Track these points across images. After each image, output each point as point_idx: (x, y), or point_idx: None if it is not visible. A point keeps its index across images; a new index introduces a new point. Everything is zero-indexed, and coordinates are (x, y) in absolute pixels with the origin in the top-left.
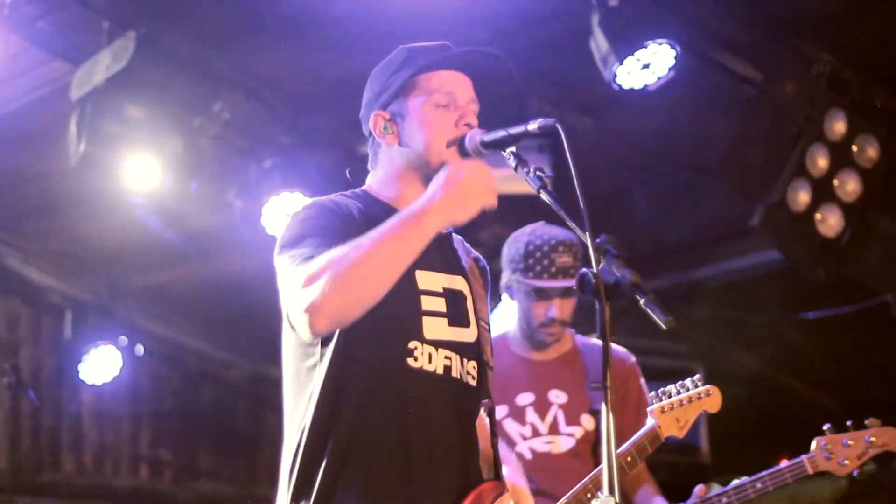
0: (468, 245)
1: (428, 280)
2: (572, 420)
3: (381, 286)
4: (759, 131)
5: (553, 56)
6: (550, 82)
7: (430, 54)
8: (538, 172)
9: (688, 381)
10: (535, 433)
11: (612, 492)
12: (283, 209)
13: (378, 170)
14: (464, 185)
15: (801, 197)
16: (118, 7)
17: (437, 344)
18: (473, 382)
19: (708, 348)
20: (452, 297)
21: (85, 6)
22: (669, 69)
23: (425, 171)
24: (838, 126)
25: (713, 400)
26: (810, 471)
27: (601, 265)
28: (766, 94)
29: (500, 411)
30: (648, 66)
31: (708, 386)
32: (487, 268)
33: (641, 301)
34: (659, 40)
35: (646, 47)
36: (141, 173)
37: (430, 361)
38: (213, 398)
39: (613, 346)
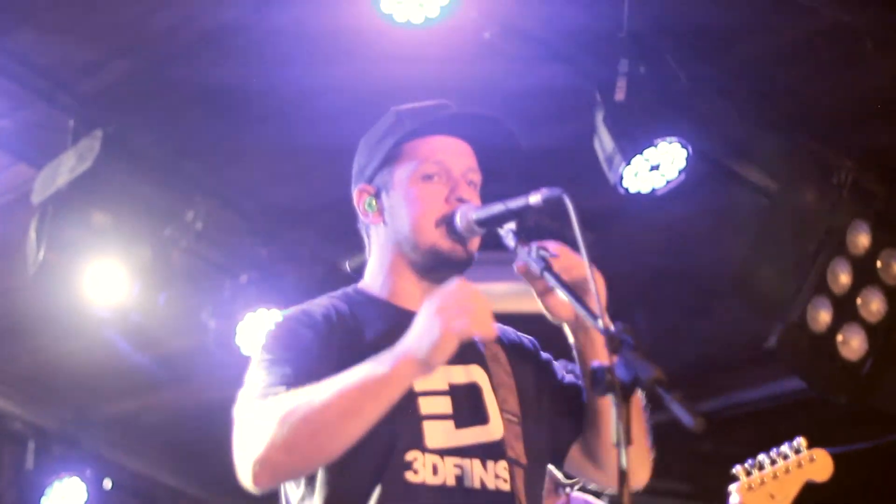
0: (508, 329)
1: (427, 378)
2: None
3: (334, 445)
4: (776, 245)
5: (552, 162)
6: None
7: (418, 116)
8: (541, 252)
9: (785, 448)
10: None
11: None
12: (259, 327)
13: (371, 259)
14: (441, 322)
15: (822, 316)
16: (85, 105)
17: (444, 452)
18: (506, 487)
19: (713, 488)
20: (462, 392)
21: (51, 103)
22: (680, 171)
23: (415, 257)
24: (862, 239)
25: (819, 466)
26: None
27: (616, 359)
28: (783, 203)
29: None
30: (658, 167)
31: (812, 450)
32: (533, 343)
33: (666, 400)
34: (669, 138)
35: (655, 146)
36: (106, 284)
37: (434, 473)
38: None
39: None
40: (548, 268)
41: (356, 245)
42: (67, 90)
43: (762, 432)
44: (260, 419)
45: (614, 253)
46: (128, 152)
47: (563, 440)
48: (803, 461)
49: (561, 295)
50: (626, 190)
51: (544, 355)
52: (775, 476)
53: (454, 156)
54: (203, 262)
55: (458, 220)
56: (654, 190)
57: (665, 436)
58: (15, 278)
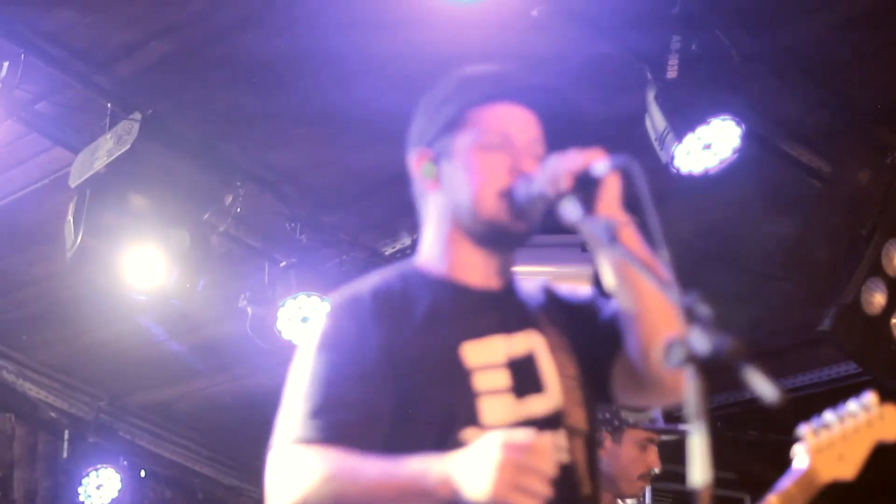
0: (562, 286)
1: (481, 352)
2: None
3: None
4: (829, 225)
5: (602, 142)
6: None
7: (483, 84)
8: (609, 222)
9: (851, 405)
10: None
11: None
12: (300, 313)
13: (427, 229)
14: (497, 479)
15: (877, 298)
16: (123, 87)
17: (503, 427)
18: (567, 458)
19: (760, 476)
20: (519, 362)
21: (87, 86)
22: (734, 150)
23: (474, 228)
24: None
25: (890, 424)
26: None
27: (692, 331)
28: (836, 183)
29: None
30: (710, 146)
31: (883, 407)
32: (587, 289)
33: (745, 373)
34: (723, 116)
35: (708, 124)
36: (144, 268)
37: None
38: None
39: None
40: (616, 239)
41: (397, 230)
42: (105, 72)
43: (812, 418)
44: (302, 472)
45: (664, 235)
46: (166, 135)
47: (604, 358)
48: (873, 420)
49: (631, 265)
50: (678, 170)
51: (597, 302)
52: (844, 436)
53: (519, 126)
54: (242, 247)
55: (519, 193)
56: (706, 170)
57: (710, 424)
58: (52, 264)
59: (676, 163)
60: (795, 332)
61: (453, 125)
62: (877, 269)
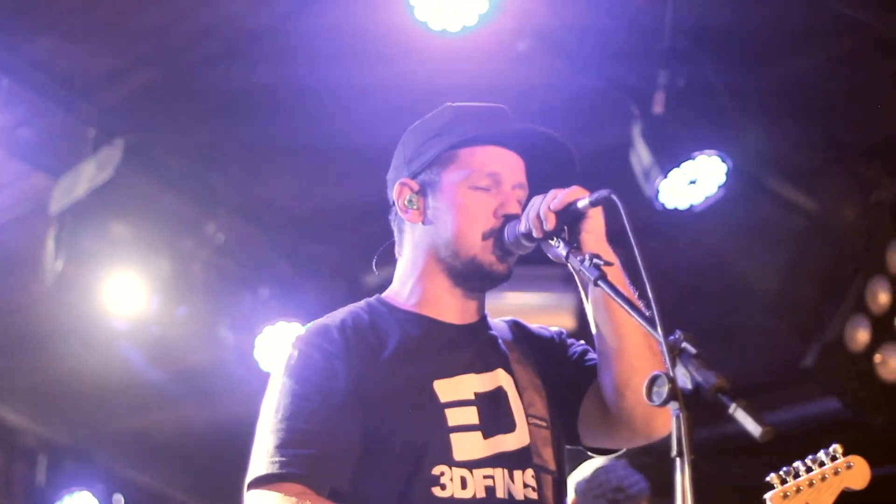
0: (533, 327)
1: (452, 388)
2: None
3: None
4: (814, 263)
5: (587, 177)
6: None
7: (478, 123)
8: (595, 260)
9: (821, 455)
10: None
11: None
12: (278, 341)
13: (402, 259)
14: None
15: (860, 336)
16: (106, 113)
17: (472, 465)
18: (534, 495)
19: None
20: (488, 400)
21: (70, 112)
22: (719, 187)
23: (451, 264)
24: None
25: (857, 473)
26: None
27: (677, 367)
28: (822, 221)
29: None
30: (696, 181)
31: (849, 457)
32: (560, 333)
33: (731, 409)
34: (708, 152)
35: (693, 159)
36: (123, 295)
37: (463, 487)
38: None
39: None
40: (602, 277)
41: (379, 259)
42: (88, 98)
43: (795, 455)
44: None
45: (648, 269)
46: (149, 162)
47: (572, 396)
48: (840, 468)
49: (617, 303)
50: (663, 206)
51: (567, 340)
52: (811, 483)
53: (508, 170)
54: (223, 275)
55: (507, 235)
56: (691, 206)
57: (696, 461)
58: (30, 290)
59: (661, 198)
60: (779, 369)
61: (443, 160)
62: (861, 307)
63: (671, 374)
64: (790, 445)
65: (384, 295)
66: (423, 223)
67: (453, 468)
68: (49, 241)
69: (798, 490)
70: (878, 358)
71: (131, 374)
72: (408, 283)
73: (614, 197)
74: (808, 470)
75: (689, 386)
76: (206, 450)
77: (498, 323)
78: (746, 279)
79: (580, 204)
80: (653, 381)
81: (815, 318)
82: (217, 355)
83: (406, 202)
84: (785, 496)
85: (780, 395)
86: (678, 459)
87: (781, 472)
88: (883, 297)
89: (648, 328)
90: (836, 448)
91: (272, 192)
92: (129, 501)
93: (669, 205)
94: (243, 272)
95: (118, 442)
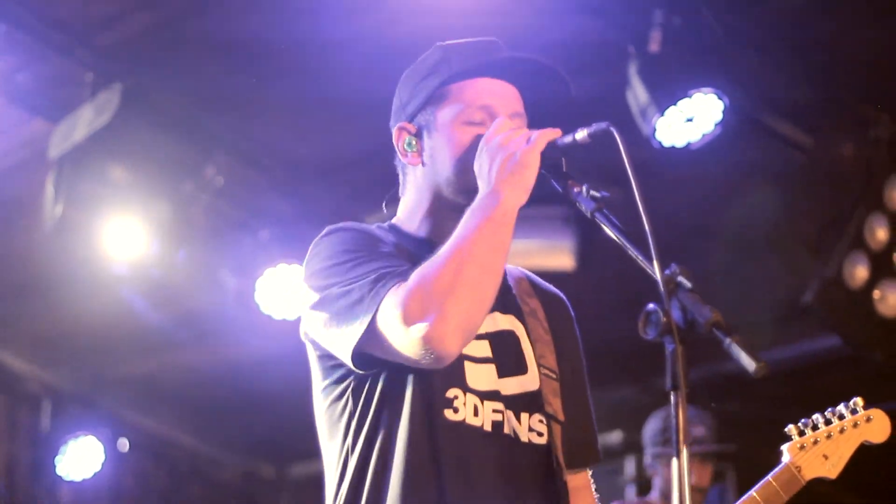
0: (542, 282)
1: None
2: None
3: (495, 282)
4: (812, 200)
5: (584, 116)
6: (580, 148)
7: (466, 57)
8: (592, 193)
9: (840, 408)
10: None
11: None
12: (279, 284)
13: (406, 197)
14: (512, 145)
15: (859, 272)
16: (104, 58)
17: (485, 395)
18: (541, 440)
19: (741, 451)
20: (500, 339)
21: (67, 57)
22: (716, 124)
23: (455, 201)
24: None
25: (876, 427)
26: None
27: (672, 301)
28: (820, 158)
29: None
30: (692, 119)
31: (869, 410)
32: (567, 304)
33: (725, 343)
34: (704, 89)
35: (690, 97)
36: (124, 239)
37: (475, 414)
38: (201, 498)
39: None
40: (599, 209)
41: (379, 199)
42: (85, 43)
43: (795, 391)
44: (407, 293)
45: (647, 207)
46: (147, 106)
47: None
48: (859, 421)
49: (613, 236)
50: (660, 144)
51: (575, 326)
52: (829, 436)
53: (501, 101)
54: (223, 218)
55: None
56: (688, 144)
57: (692, 395)
58: (31, 236)
59: (658, 136)
60: (779, 306)
61: (436, 99)
62: (859, 243)
63: (666, 307)
64: (790, 383)
65: (395, 222)
66: (423, 164)
67: (467, 394)
68: (48, 186)
69: (815, 442)
70: (876, 294)
71: (133, 318)
72: (415, 217)
73: (613, 129)
74: (827, 423)
75: (684, 320)
76: (210, 392)
77: (511, 269)
78: (745, 217)
79: (578, 136)
80: (647, 315)
81: (814, 255)
82: (218, 298)
83: (405, 146)
84: (802, 447)
85: (780, 333)
86: (673, 393)
87: (800, 424)
88: (881, 234)
89: (644, 262)
90: (857, 401)
91: (271, 136)
92: (135, 445)
93: (667, 143)
94: (243, 215)
95: (122, 387)
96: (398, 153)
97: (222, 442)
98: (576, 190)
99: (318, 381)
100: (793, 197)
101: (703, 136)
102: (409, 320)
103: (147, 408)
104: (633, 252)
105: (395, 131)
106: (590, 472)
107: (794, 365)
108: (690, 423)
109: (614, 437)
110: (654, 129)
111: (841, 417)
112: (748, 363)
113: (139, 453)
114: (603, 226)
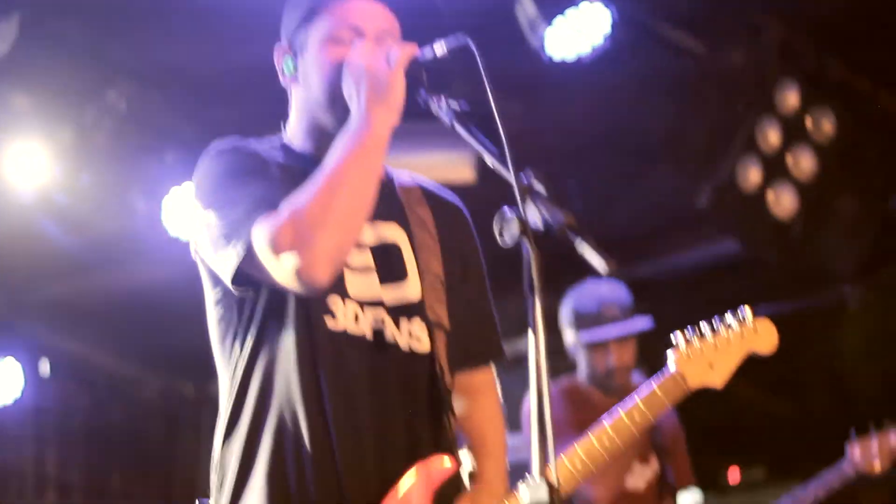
0: (438, 189)
1: None
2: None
3: (366, 209)
4: (704, 105)
5: (475, 31)
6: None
7: None
8: (451, 104)
9: (728, 317)
10: None
11: (544, 469)
12: (186, 203)
13: (290, 116)
14: (376, 64)
15: (752, 175)
16: None
17: (365, 303)
18: (422, 348)
19: (649, 353)
20: (382, 250)
21: None
22: (605, 38)
23: (332, 124)
24: (791, 98)
25: (763, 337)
26: (851, 473)
27: (527, 206)
28: (710, 63)
29: None
30: (581, 31)
31: (756, 320)
32: (463, 210)
33: (577, 244)
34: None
35: (576, 6)
36: (27, 166)
37: (355, 321)
38: (124, 417)
39: None
40: (458, 118)
41: (281, 118)
42: None
43: (695, 296)
44: (280, 225)
45: (543, 123)
46: (46, 34)
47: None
48: (746, 332)
49: (471, 144)
50: (551, 58)
51: (472, 232)
52: (716, 346)
53: (370, 19)
54: (127, 142)
55: None
56: (579, 57)
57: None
58: None
59: (547, 48)
60: (677, 212)
61: (308, 19)
62: (752, 146)
63: (521, 213)
64: (691, 288)
65: (284, 140)
66: (299, 85)
67: (346, 300)
68: None
69: (702, 351)
70: (770, 196)
71: (45, 243)
72: (299, 136)
73: (469, 42)
74: (714, 332)
75: (539, 224)
76: (126, 314)
77: (402, 178)
78: (641, 126)
79: (438, 51)
80: (502, 220)
81: (707, 160)
82: (128, 222)
83: (283, 67)
84: (688, 356)
85: (679, 239)
86: (530, 296)
87: (686, 333)
88: (773, 137)
89: (500, 168)
90: (746, 311)
91: (172, 58)
92: (55, 368)
93: (557, 56)
94: (147, 139)
95: (39, 311)
96: (279, 74)
97: (141, 361)
98: (436, 102)
99: (210, 297)
100: (684, 104)
101: (594, 48)
102: (279, 251)
103: (65, 331)
104: (489, 159)
105: (275, 52)
106: (494, 371)
107: (695, 271)
108: (604, 303)
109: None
110: (543, 42)
111: (728, 327)
112: (599, 263)
113: (60, 376)
114: (463, 135)
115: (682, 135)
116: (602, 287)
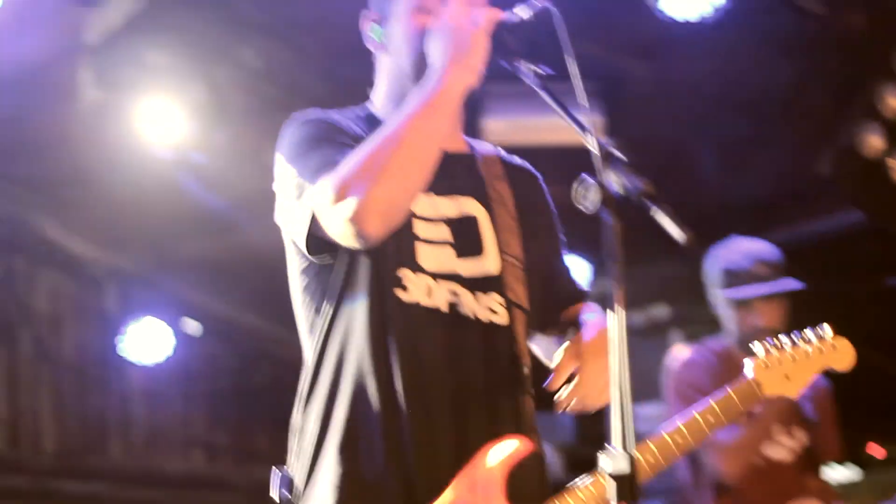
0: (513, 159)
1: (426, 204)
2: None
3: (425, 167)
4: (825, 70)
5: None
6: (598, 23)
7: None
8: (533, 68)
9: (808, 332)
10: None
11: (627, 444)
12: None
13: (376, 82)
14: (461, 28)
15: (874, 141)
16: None
17: (439, 276)
18: (501, 320)
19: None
20: (460, 224)
21: None
22: None
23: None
24: None
25: (841, 355)
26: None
27: (607, 172)
28: (830, 28)
29: None
30: None
31: (836, 338)
32: (538, 177)
33: (654, 213)
34: None
35: None
36: (162, 124)
37: (428, 295)
38: (271, 377)
39: None
40: (540, 83)
41: None
42: None
43: (823, 263)
44: (341, 176)
45: (671, 85)
46: None
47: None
48: (825, 348)
49: (553, 107)
50: (672, 19)
51: (548, 199)
52: (794, 359)
53: None
54: (262, 100)
55: None
56: (702, 17)
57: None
58: (73, 125)
59: (666, 8)
60: (795, 178)
61: None
62: (872, 112)
63: (601, 180)
64: (817, 256)
65: (371, 109)
66: (386, 53)
67: (418, 273)
68: (85, 71)
69: (780, 362)
70: (892, 163)
71: (186, 201)
72: (383, 102)
73: (550, 7)
74: (794, 345)
75: (618, 190)
76: (270, 274)
77: (484, 148)
78: (761, 88)
79: (524, 15)
80: (581, 186)
81: (828, 125)
82: (265, 182)
83: (371, 34)
84: (766, 366)
85: (806, 206)
86: (611, 264)
87: (767, 343)
88: (894, 103)
89: (580, 131)
90: (826, 328)
91: (304, 14)
92: (201, 329)
93: (676, 16)
94: (281, 96)
95: (184, 269)
96: (366, 41)
97: (286, 322)
98: (520, 67)
99: (293, 266)
100: (805, 68)
101: (715, 9)
102: (336, 200)
103: (210, 289)
104: (571, 123)
105: (361, 19)
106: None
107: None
108: (758, 260)
109: (660, 310)
110: (657, 2)
111: (808, 342)
112: (676, 232)
113: (207, 336)
114: (546, 99)
115: (803, 98)
116: (754, 244)
